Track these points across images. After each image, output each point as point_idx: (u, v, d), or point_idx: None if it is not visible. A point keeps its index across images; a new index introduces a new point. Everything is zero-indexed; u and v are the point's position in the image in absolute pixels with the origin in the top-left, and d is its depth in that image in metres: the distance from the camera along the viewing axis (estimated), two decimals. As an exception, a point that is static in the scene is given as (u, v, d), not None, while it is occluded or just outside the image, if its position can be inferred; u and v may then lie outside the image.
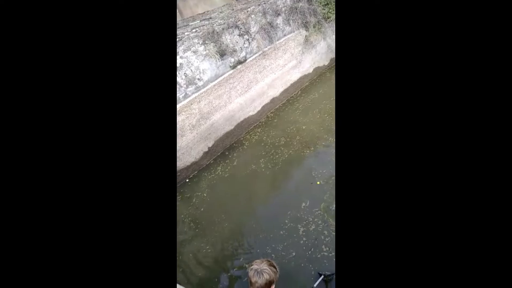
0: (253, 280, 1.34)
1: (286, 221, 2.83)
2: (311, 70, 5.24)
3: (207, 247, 2.82)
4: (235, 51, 4.03)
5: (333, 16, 4.81)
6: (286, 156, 3.73)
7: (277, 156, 3.75)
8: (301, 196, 3.04)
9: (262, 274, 1.33)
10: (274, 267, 1.40)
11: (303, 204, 2.94)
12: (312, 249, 2.52)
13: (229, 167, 3.79)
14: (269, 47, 4.42)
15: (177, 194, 3.59)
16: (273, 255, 2.56)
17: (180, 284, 2.30)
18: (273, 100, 4.69)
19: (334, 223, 2.67)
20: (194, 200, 3.45)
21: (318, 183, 3.19)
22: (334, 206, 2.84)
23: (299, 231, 2.70)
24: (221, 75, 3.93)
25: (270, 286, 1.36)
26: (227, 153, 4.05)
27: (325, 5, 4.77)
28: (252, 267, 1.38)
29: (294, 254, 2.52)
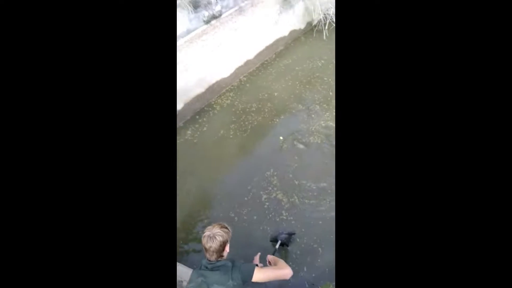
0: (207, 245, 1.36)
1: (249, 187, 3.05)
2: (286, 33, 5.01)
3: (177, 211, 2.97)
4: (209, 3, 3.61)
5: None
6: (255, 123, 3.80)
7: (246, 123, 3.81)
8: (266, 165, 3.24)
9: (215, 237, 1.35)
10: (226, 227, 1.43)
11: (267, 173, 3.17)
12: (272, 214, 2.83)
13: (198, 132, 3.76)
14: (246, 2, 4.04)
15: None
16: (236, 218, 2.82)
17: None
18: (247, 63, 4.50)
19: (294, 192, 2.99)
20: (162, 162, 3.43)
21: (280, 138, 3.47)
22: (291, 175, 3.13)
23: (261, 197, 2.97)
24: (193, 30, 3.58)
25: (225, 247, 1.40)
26: (197, 117, 3.96)
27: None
28: (204, 234, 1.40)
29: (255, 218, 2.82)
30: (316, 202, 2.88)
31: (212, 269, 1.38)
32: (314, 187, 2.99)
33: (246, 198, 2.97)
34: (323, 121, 3.76)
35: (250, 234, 2.68)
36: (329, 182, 2.95)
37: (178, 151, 3.56)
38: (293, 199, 2.92)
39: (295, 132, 3.63)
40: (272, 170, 3.18)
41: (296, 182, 3.05)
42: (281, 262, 1.57)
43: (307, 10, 5.15)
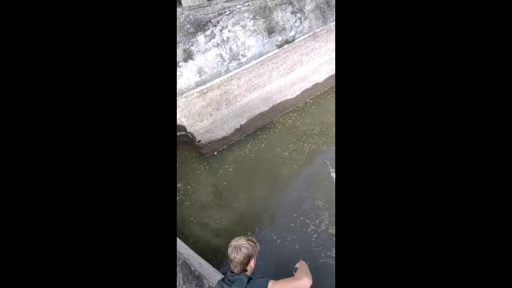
0: (231, 256, 1.33)
1: (295, 215, 2.82)
2: (364, 58, 4.77)
3: (222, 219, 3.04)
4: (284, 29, 3.81)
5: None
6: (314, 147, 3.64)
7: (305, 145, 3.68)
8: (316, 193, 2.97)
9: (240, 249, 1.32)
10: (253, 241, 1.39)
11: (318, 202, 2.90)
12: (319, 248, 2.55)
13: (256, 147, 3.85)
14: (321, 28, 4.07)
15: (205, 164, 3.81)
16: (278, 241, 2.66)
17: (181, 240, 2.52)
18: (315, 86, 4.44)
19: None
20: (220, 172, 3.64)
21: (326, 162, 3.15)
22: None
23: (308, 227, 2.72)
24: (266, 53, 3.82)
25: (250, 260, 1.35)
26: (258, 132, 4.08)
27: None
28: (231, 244, 1.37)
29: (297, 247, 2.58)
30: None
31: (230, 282, 1.32)
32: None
33: (292, 225, 2.77)
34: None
35: (288, 259, 2.48)
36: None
37: (234, 162, 3.74)
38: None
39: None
40: (323, 201, 2.91)
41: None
42: (303, 269, 1.39)
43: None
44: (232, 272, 1.36)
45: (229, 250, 1.37)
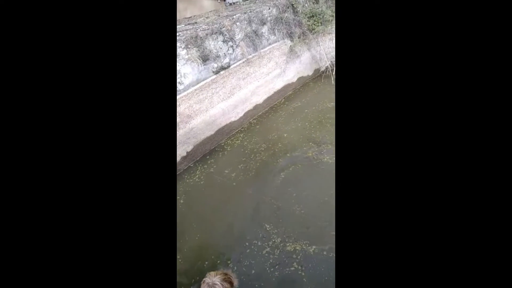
0: None
1: (249, 237, 2.70)
2: (295, 80, 5.23)
3: (178, 257, 2.70)
4: (218, 56, 3.97)
5: (318, 28, 4.84)
6: (258, 164, 3.67)
7: (252, 163, 3.69)
8: (264, 219, 2.87)
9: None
10: (229, 282, 1.26)
11: (267, 226, 2.79)
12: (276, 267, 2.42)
13: (205, 173, 3.69)
14: (253, 54, 4.39)
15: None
16: (235, 268, 2.46)
17: None
18: (256, 107, 4.64)
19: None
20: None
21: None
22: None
23: (263, 250, 2.58)
24: (203, 80, 3.88)
25: None
26: (207, 157, 3.96)
27: (310, 17, 4.79)
28: (204, 279, 1.24)
29: (253, 272, 2.40)
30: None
31: None
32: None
33: (248, 250, 2.59)
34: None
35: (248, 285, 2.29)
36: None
37: (184, 193, 3.49)
38: (303, 248, 2.50)
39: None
40: (271, 225, 2.78)
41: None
42: None
43: (313, 58, 5.46)
44: None
45: (202, 286, 1.23)
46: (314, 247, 2.51)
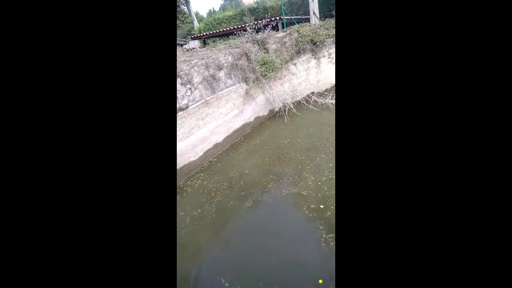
0: None
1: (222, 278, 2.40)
2: (252, 119, 5.44)
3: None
4: (177, 98, 3.97)
5: (270, 74, 5.30)
6: (223, 203, 3.49)
7: (213, 204, 3.49)
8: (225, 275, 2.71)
9: None
10: None
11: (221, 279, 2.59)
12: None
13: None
14: (211, 96, 4.50)
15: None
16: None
17: None
18: (216, 146, 4.58)
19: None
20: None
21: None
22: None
23: None
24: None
25: None
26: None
27: (262, 64, 5.26)
28: None
29: None
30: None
31: None
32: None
33: None
34: (296, 190, 3.57)
35: None
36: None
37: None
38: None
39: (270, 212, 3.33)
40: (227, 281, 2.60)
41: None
42: None
43: (268, 100, 5.84)
44: None
45: None
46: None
